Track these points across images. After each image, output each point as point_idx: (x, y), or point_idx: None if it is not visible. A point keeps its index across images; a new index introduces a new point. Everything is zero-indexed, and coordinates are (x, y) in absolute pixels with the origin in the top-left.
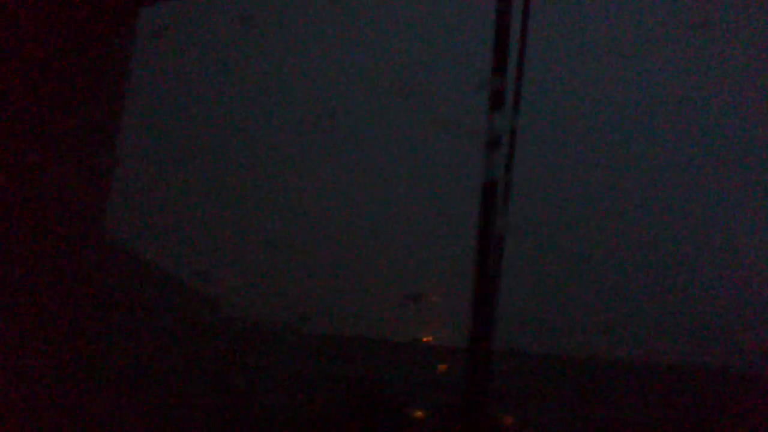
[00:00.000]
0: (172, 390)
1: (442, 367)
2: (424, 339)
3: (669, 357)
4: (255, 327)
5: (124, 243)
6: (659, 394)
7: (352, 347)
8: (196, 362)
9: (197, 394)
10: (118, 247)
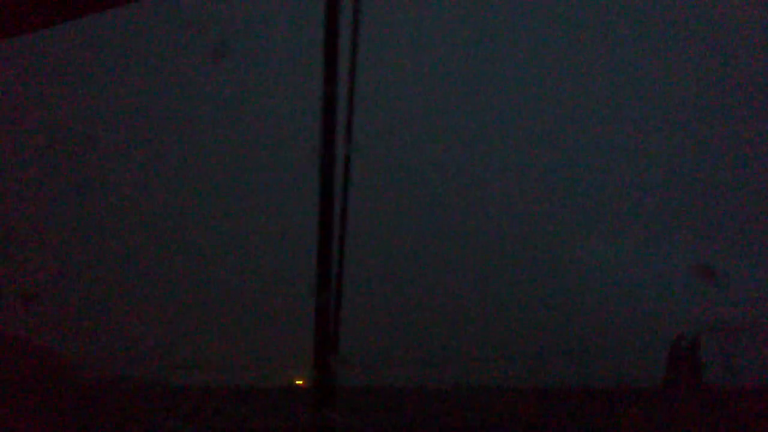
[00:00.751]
0: None
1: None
2: (297, 382)
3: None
4: (118, 383)
5: None
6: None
7: (223, 398)
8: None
9: None
10: None
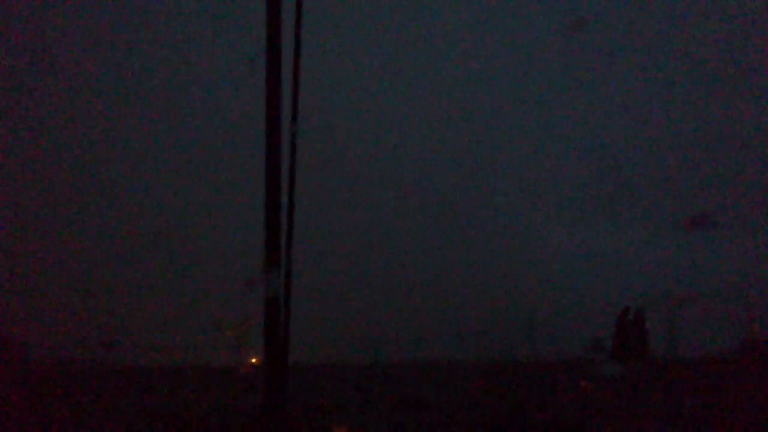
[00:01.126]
0: None
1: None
2: (253, 361)
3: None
4: (63, 365)
5: None
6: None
7: (165, 376)
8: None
9: None
10: None
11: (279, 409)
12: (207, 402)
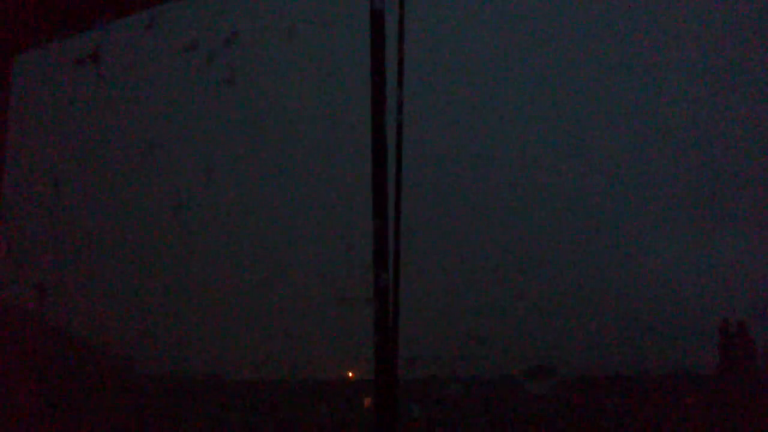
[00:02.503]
0: None
1: (367, 401)
2: (349, 375)
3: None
4: (173, 381)
5: (14, 301)
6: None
7: (277, 391)
8: (109, 424)
9: None
10: (8, 305)
11: (391, 427)
12: (313, 417)
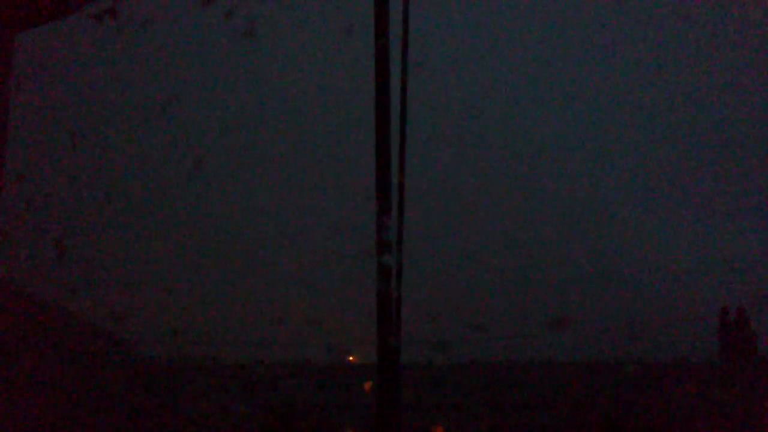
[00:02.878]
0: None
1: (367, 385)
2: (350, 359)
3: (575, 355)
4: (173, 363)
5: (17, 283)
6: (575, 392)
7: (275, 373)
8: (110, 404)
9: None
10: (10, 286)
11: (394, 411)
12: (312, 399)
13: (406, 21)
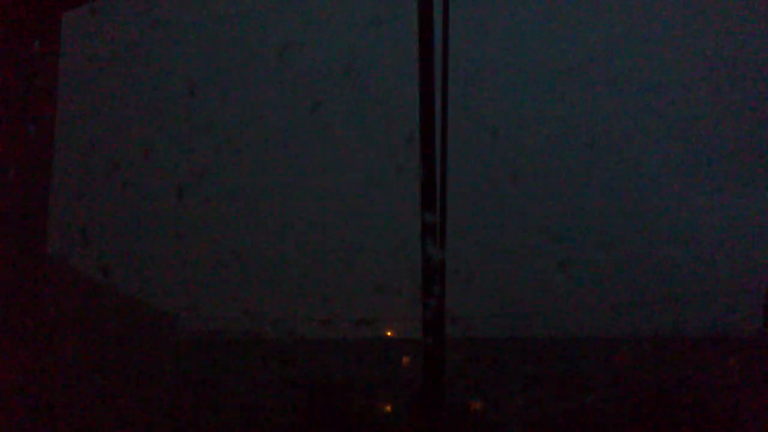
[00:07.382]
0: (131, 403)
1: (405, 360)
2: (388, 334)
3: (611, 331)
4: (216, 337)
5: (68, 259)
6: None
7: (315, 349)
8: (155, 376)
9: (157, 408)
10: (63, 263)
11: (438, 387)
12: (350, 375)
13: (446, 27)
